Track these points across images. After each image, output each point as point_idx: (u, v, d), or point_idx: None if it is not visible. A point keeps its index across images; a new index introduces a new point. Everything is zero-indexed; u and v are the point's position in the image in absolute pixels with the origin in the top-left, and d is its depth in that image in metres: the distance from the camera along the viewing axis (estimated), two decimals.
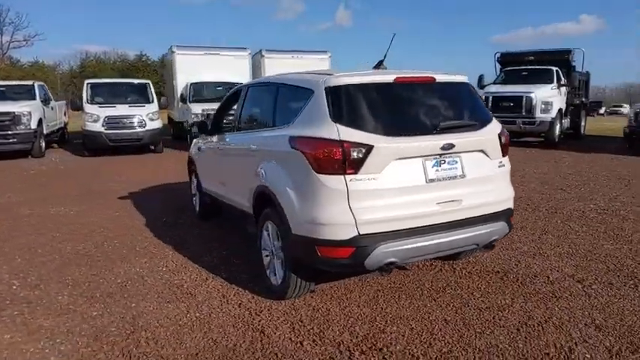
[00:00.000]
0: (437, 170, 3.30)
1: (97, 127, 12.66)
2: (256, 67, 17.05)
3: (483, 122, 3.59)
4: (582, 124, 16.65)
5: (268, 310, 3.56)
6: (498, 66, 16.53)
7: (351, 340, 3.10)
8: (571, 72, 15.03)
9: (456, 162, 3.38)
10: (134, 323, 3.40)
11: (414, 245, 3.19)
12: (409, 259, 3.36)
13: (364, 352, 2.96)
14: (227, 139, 4.90)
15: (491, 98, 13.69)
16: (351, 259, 3.15)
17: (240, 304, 3.69)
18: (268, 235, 3.84)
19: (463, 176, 3.39)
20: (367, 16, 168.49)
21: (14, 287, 4.10)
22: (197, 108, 13.76)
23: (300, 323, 3.35)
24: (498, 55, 16.61)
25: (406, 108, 3.42)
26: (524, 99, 13.28)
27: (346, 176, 3.09)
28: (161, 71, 46.65)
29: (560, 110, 13.67)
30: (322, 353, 2.97)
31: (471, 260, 4.47)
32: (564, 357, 2.88)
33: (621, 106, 55.26)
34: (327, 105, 3.27)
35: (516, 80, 14.46)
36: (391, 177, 3.16)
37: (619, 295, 3.71)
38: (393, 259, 3.16)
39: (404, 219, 3.17)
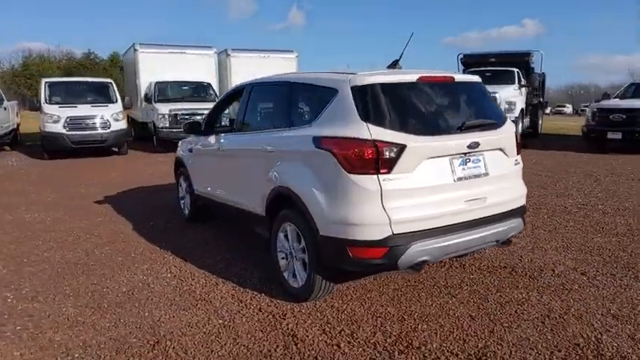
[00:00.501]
0: (463, 169, 3.35)
1: (58, 128, 12.01)
2: (222, 66, 16.77)
3: (501, 121, 3.68)
4: (540, 122, 17.41)
5: (292, 313, 3.49)
6: (461, 67, 17.00)
7: (386, 340, 3.09)
8: (530, 73, 15.69)
9: (480, 160, 3.44)
10: (155, 333, 3.24)
11: (446, 243, 3.22)
12: (440, 257, 3.38)
13: (403, 352, 2.95)
14: (229, 140, 4.75)
15: None
16: (384, 259, 3.13)
17: (260, 308, 3.59)
18: (286, 236, 3.76)
19: (486, 174, 3.46)
20: (320, 17, 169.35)
21: (9, 300, 3.82)
22: (164, 108, 13.37)
23: (329, 325, 3.30)
24: (461, 56, 17.09)
25: (431, 107, 3.45)
26: None
27: (379, 176, 3.08)
28: (111, 70, 44.99)
29: (522, 110, 14.23)
30: (362, 354, 2.94)
31: (476, 257, 4.56)
32: (594, 346, 2.98)
33: (564, 106, 58.71)
34: (355, 104, 3.24)
35: None
36: (422, 176, 3.17)
37: (623, 286, 3.88)
38: (425, 258, 3.18)
39: (435, 217, 3.19)
